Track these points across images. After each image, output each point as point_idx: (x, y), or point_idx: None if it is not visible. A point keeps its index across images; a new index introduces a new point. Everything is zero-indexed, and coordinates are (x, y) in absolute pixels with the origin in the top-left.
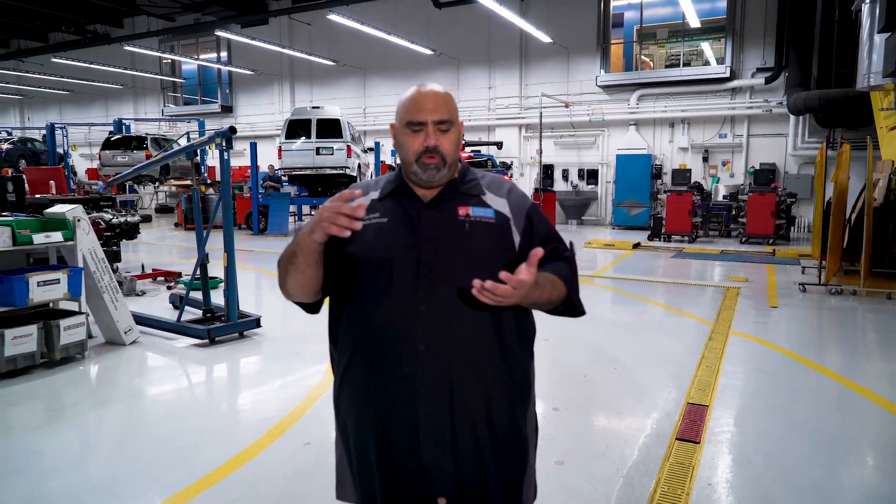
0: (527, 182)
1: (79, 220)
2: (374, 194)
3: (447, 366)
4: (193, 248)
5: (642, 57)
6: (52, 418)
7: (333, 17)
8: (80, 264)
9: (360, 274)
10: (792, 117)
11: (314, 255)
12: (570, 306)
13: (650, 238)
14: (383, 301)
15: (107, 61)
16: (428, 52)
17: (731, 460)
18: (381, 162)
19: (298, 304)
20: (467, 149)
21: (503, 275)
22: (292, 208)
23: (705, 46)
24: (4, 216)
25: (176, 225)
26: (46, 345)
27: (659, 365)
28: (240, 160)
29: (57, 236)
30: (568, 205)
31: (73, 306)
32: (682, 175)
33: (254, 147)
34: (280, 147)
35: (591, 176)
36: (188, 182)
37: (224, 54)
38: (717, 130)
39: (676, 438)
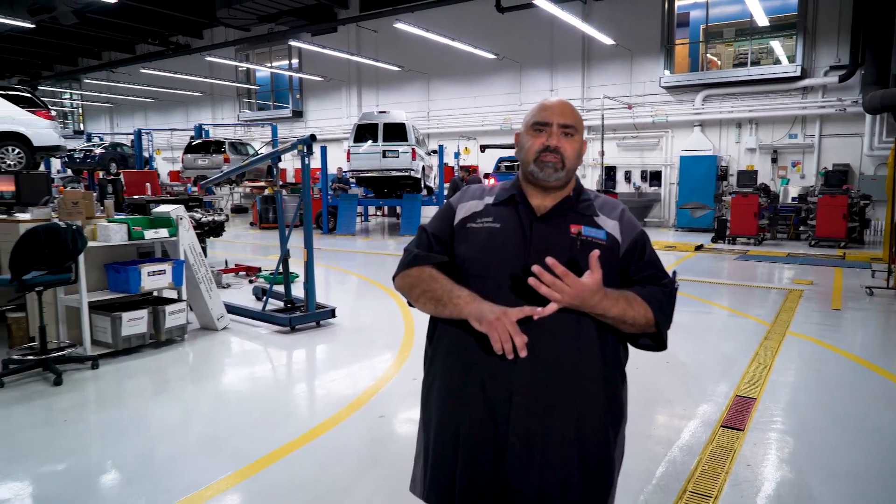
0: (588, 184)
1: (181, 219)
2: (490, 199)
3: (544, 381)
4: (268, 245)
5: (709, 56)
6: (159, 389)
7: (400, 25)
8: (182, 257)
9: (467, 275)
10: (868, 116)
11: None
12: (658, 338)
13: (714, 240)
14: None
15: (187, 70)
16: (491, 56)
17: (772, 446)
18: (444, 164)
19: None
20: None
21: (549, 261)
22: (359, 209)
23: (775, 45)
24: (120, 216)
25: (251, 224)
26: (154, 327)
27: (711, 360)
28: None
29: (163, 233)
30: (630, 206)
31: (173, 294)
32: (748, 176)
33: (324, 150)
34: (348, 150)
35: (654, 177)
36: (262, 184)
37: (295, 61)
38: (787, 131)
39: (721, 426)
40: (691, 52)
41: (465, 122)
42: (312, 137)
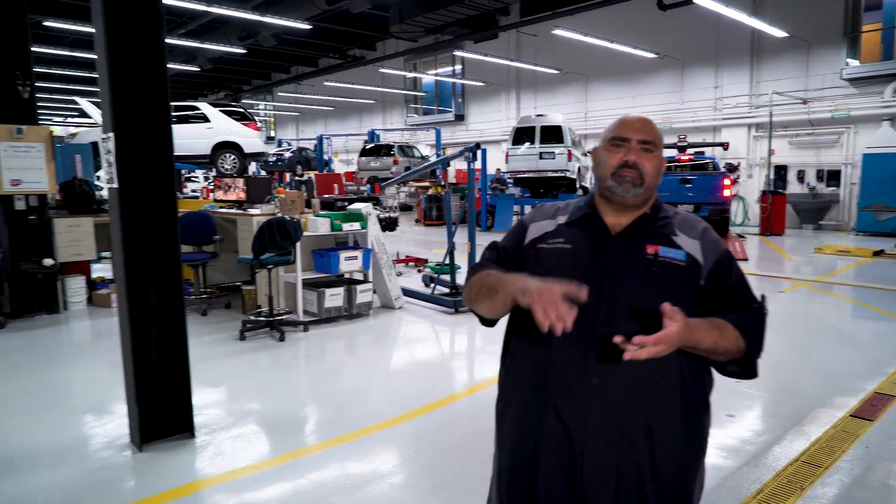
0: (755, 184)
1: (370, 214)
2: (562, 218)
3: (620, 406)
4: (432, 240)
5: None
6: (351, 350)
7: (558, 31)
8: (369, 247)
9: None
10: None
11: (513, 303)
12: (747, 365)
13: None
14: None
15: (362, 81)
16: (651, 55)
17: None
18: None
19: (477, 315)
20: (689, 150)
21: (637, 339)
22: (516, 208)
23: None
24: (323, 213)
25: (416, 221)
26: (347, 302)
27: (856, 360)
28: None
29: (356, 226)
30: (802, 208)
31: (361, 277)
32: None
33: (484, 153)
34: (507, 152)
35: (832, 177)
36: (426, 184)
37: (458, 67)
38: None
39: (850, 415)
40: (884, 38)
41: None
42: (478, 146)
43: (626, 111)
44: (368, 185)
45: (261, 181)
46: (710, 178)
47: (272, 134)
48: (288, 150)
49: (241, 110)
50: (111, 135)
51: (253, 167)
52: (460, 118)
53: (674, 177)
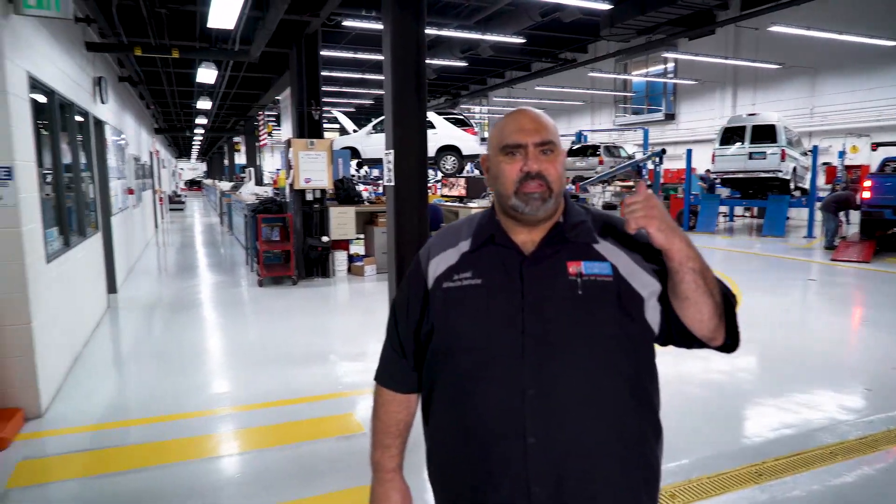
0: None
1: None
2: (465, 245)
3: (564, 463)
4: None
5: None
6: None
7: (775, 28)
8: None
9: (452, 350)
10: None
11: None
12: (732, 328)
13: None
14: (480, 385)
15: (571, 83)
16: (892, 43)
17: None
18: (826, 164)
19: None
20: None
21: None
22: (723, 209)
23: None
24: None
25: None
26: None
27: None
28: (677, 164)
29: None
30: None
31: None
32: None
33: (689, 154)
34: (713, 153)
35: None
36: (630, 183)
37: (671, 65)
38: None
39: None
40: None
41: (856, 117)
42: (663, 151)
43: (861, 105)
44: (571, 184)
45: (477, 181)
46: None
47: (485, 135)
48: None
49: (461, 117)
50: (392, 151)
51: (468, 167)
52: (671, 117)
53: (892, 178)
